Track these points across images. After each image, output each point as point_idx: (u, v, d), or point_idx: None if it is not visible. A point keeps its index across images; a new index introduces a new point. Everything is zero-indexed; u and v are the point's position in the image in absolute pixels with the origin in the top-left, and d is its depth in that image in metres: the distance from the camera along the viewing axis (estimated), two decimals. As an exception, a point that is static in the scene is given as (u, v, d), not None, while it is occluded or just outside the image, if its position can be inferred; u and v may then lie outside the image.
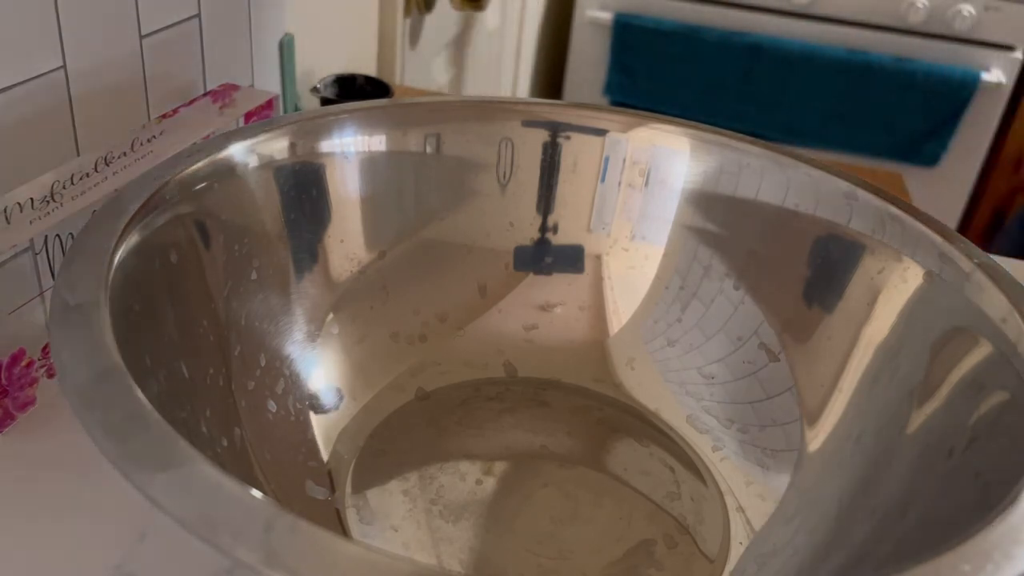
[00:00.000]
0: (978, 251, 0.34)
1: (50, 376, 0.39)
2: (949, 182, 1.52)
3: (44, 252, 0.38)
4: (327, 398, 0.39)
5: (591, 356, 0.44)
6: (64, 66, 0.46)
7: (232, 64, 0.62)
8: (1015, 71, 1.44)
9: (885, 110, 1.46)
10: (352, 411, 0.40)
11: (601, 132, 0.44)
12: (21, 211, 0.38)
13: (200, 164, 0.35)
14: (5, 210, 0.38)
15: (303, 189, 0.40)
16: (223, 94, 0.51)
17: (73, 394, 0.23)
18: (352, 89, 0.72)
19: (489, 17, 1.31)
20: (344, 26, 0.89)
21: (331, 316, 0.40)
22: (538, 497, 0.37)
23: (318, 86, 0.71)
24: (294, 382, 0.38)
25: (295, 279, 0.39)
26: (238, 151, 0.37)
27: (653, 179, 0.44)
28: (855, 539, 0.31)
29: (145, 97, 0.53)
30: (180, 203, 0.33)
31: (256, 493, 0.20)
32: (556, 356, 0.44)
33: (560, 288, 0.45)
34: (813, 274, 0.40)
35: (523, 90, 1.60)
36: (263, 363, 0.37)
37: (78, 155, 0.46)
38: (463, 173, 0.44)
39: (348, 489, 0.36)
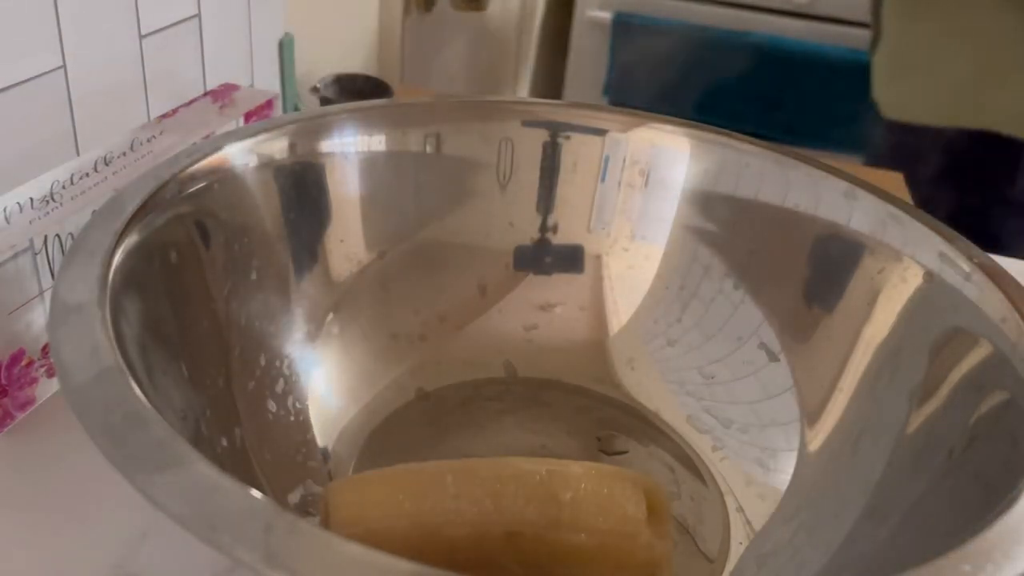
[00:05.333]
0: (978, 251, 0.34)
1: (50, 376, 0.39)
2: (949, 182, 1.52)
3: (44, 252, 0.38)
4: (327, 398, 0.39)
5: (591, 356, 0.44)
6: (64, 66, 0.46)
7: (232, 64, 0.62)
8: (1015, 71, 1.44)
9: (885, 110, 1.46)
10: (352, 411, 0.40)
11: (601, 132, 0.44)
12: (21, 211, 0.38)
13: (200, 164, 0.35)
14: (5, 210, 0.38)
15: (303, 189, 0.40)
16: (223, 94, 0.51)
17: (73, 394, 0.23)
18: (352, 89, 0.72)
19: (489, 17, 1.31)
20: (344, 26, 0.89)
21: (331, 316, 0.40)
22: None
23: (318, 86, 0.71)
24: (294, 382, 0.38)
25: (295, 279, 0.39)
26: (238, 151, 0.37)
27: (653, 179, 0.44)
28: (855, 539, 0.31)
29: (145, 97, 0.53)
30: (180, 203, 0.33)
31: (256, 493, 0.20)
32: (556, 356, 0.44)
33: (560, 288, 0.45)
34: (813, 274, 0.40)
35: (523, 90, 1.60)
36: (263, 363, 0.37)
37: (78, 155, 0.46)
38: (463, 173, 0.44)
39: (348, 489, 0.36)
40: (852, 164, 0.98)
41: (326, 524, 0.30)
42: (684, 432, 0.41)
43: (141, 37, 0.52)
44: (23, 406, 0.38)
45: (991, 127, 0.94)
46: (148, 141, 0.44)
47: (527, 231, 0.45)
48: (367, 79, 0.73)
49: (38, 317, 0.38)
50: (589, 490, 0.30)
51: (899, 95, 1.01)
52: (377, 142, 0.42)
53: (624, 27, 1.54)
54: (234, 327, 0.36)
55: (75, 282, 0.27)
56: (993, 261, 0.34)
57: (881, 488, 0.32)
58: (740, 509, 0.37)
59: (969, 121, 0.95)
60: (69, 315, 0.25)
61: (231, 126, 0.48)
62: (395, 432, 0.40)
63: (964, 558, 0.21)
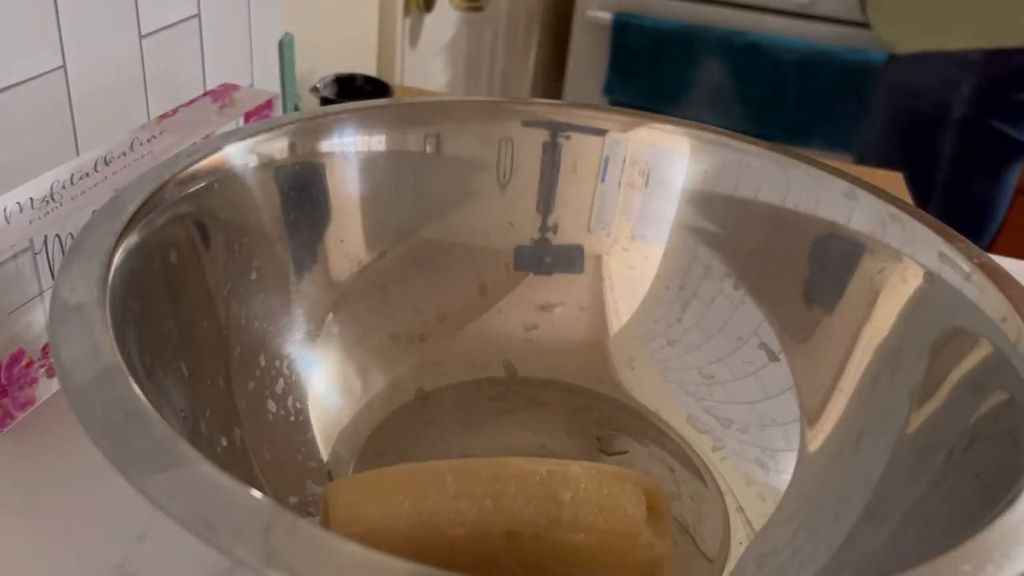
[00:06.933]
0: (978, 251, 0.34)
1: (50, 376, 0.39)
2: (949, 182, 1.52)
3: (44, 252, 0.38)
4: (327, 398, 0.39)
5: (591, 356, 0.44)
6: (64, 66, 0.46)
7: (232, 64, 0.62)
8: (1015, 71, 1.43)
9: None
10: (352, 411, 0.40)
11: (601, 132, 0.44)
12: (21, 211, 0.38)
13: (200, 164, 0.35)
14: (5, 210, 0.38)
15: (303, 189, 0.40)
16: (223, 94, 0.51)
17: (73, 394, 0.23)
18: (352, 89, 0.72)
19: (489, 17, 1.31)
20: (344, 26, 0.89)
21: (331, 316, 0.40)
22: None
23: (318, 86, 0.71)
24: (294, 382, 0.38)
25: (295, 279, 0.39)
26: (238, 151, 0.37)
27: (653, 179, 0.44)
28: (855, 539, 0.31)
29: (145, 97, 0.53)
30: (180, 203, 0.33)
31: (256, 493, 0.20)
32: (556, 356, 0.44)
33: (560, 288, 0.45)
34: (813, 274, 0.40)
35: (523, 90, 1.60)
36: (263, 363, 0.37)
37: (78, 155, 0.46)
38: (463, 173, 0.44)
39: (348, 489, 0.36)
40: (850, 164, 0.98)
41: (326, 524, 0.30)
42: (684, 432, 0.41)
43: (141, 37, 0.52)
44: (23, 406, 0.38)
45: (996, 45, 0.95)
46: (148, 141, 0.44)
47: (527, 231, 0.45)
48: (367, 79, 0.73)
49: (38, 317, 0.38)
50: (589, 490, 0.30)
51: (906, 24, 1.01)
52: (377, 142, 0.42)
53: (624, 27, 1.54)
54: (234, 327, 0.36)
55: (75, 282, 0.27)
56: (993, 261, 0.34)
57: (881, 488, 0.32)
58: (740, 509, 0.37)
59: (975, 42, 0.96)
60: (69, 315, 0.25)
61: (231, 126, 0.48)
62: (395, 432, 0.40)
63: (964, 558, 0.21)
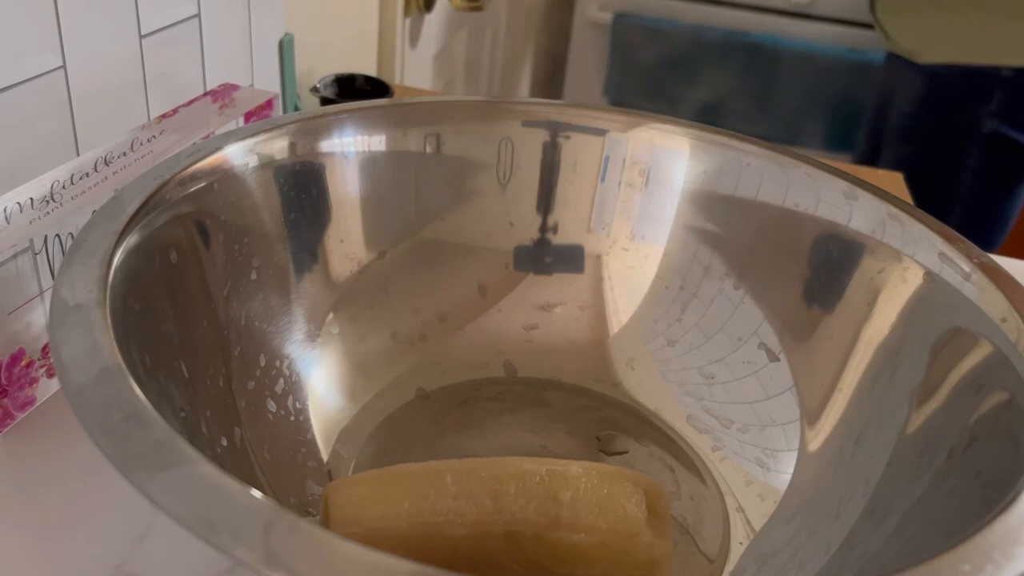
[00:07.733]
0: (978, 251, 0.34)
1: (50, 376, 0.39)
2: (949, 182, 1.52)
3: (44, 252, 0.38)
4: (327, 398, 0.39)
5: (591, 356, 0.44)
6: (64, 66, 0.46)
7: (232, 64, 0.62)
8: (1015, 71, 1.43)
9: (885, 110, 1.46)
10: (352, 411, 0.40)
11: (601, 132, 0.44)
12: (21, 211, 0.38)
13: (200, 164, 0.35)
14: (5, 210, 0.38)
15: (303, 189, 0.40)
16: (223, 94, 0.51)
17: (73, 394, 0.23)
18: (352, 89, 0.72)
19: (488, 17, 1.31)
20: (344, 26, 0.89)
21: (331, 316, 0.40)
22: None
23: (318, 86, 0.71)
24: (294, 382, 0.38)
25: (295, 279, 0.39)
26: (238, 151, 0.37)
27: (653, 179, 0.44)
28: (855, 539, 0.31)
29: (145, 97, 0.53)
30: (180, 203, 0.33)
31: (256, 493, 0.20)
32: (556, 356, 0.44)
33: (560, 288, 0.45)
34: (813, 274, 0.40)
35: (523, 90, 1.60)
36: (263, 363, 0.37)
37: (78, 155, 0.46)
38: (463, 173, 0.44)
39: (348, 489, 0.36)
40: (850, 164, 0.98)
41: (326, 524, 0.30)
42: (684, 432, 0.41)
43: (141, 37, 0.52)
44: (23, 406, 0.38)
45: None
46: (148, 141, 0.44)
47: (527, 231, 0.45)
48: (367, 79, 0.73)
49: (38, 317, 0.38)
50: (589, 490, 0.30)
51: (926, 36, 1.00)
52: (377, 142, 0.42)
53: (624, 27, 1.55)
54: (234, 327, 0.36)
55: (75, 282, 0.27)
56: (993, 261, 0.34)
57: (881, 488, 0.32)
58: (740, 509, 0.37)
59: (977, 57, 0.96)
60: (69, 315, 0.25)
61: (231, 126, 0.48)
62: (395, 432, 0.40)
63: (964, 558, 0.21)
